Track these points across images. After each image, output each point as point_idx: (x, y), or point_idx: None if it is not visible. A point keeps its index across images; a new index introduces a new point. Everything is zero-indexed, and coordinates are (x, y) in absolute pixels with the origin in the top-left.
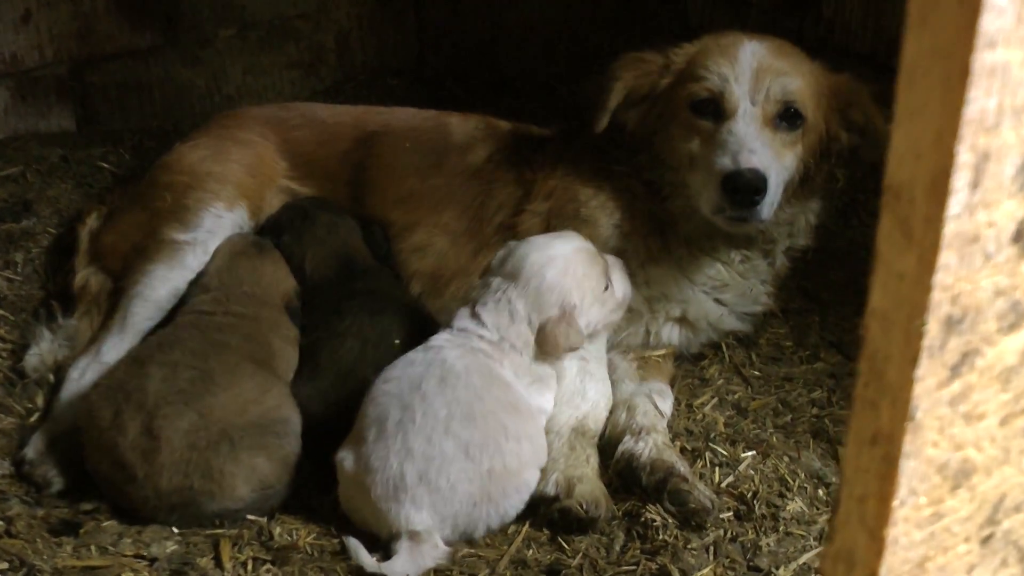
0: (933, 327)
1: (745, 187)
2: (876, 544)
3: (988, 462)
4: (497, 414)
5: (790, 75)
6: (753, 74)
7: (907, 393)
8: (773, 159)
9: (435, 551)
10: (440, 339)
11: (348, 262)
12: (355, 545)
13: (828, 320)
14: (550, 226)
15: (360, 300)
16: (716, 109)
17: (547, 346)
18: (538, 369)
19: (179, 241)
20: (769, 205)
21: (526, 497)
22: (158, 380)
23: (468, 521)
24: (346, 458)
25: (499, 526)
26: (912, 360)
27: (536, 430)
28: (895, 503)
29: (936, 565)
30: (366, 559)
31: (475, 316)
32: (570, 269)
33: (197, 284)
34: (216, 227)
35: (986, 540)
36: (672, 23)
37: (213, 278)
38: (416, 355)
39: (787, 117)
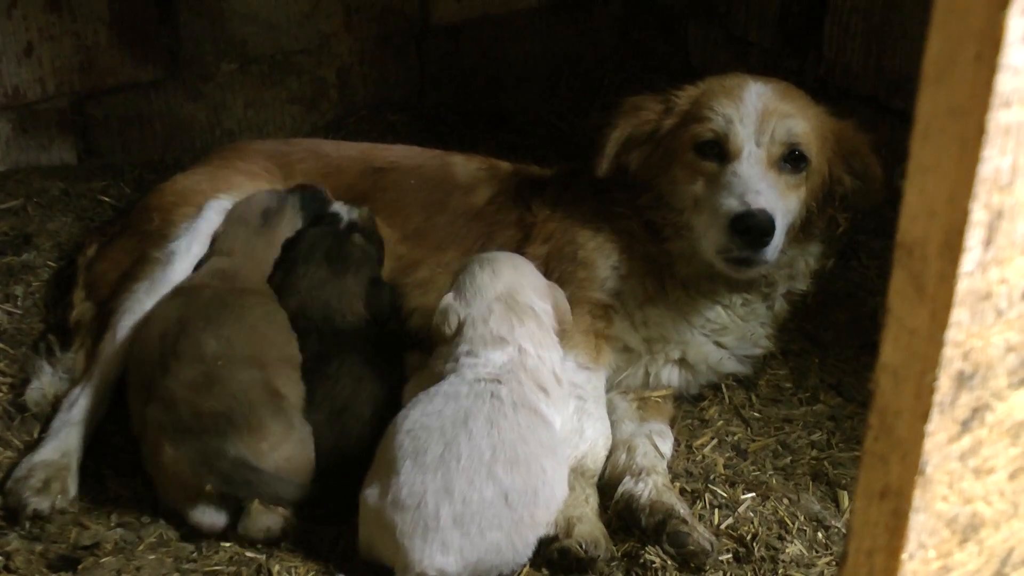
0: (944, 383)
1: (756, 227)
2: None
3: (997, 516)
4: (539, 458)
5: (795, 117)
6: (758, 116)
7: (917, 448)
8: (778, 201)
9: None
10: (482, 372)
11: (325, 320)
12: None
13: (828, 362)
14: (549, 268)
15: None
16: (720, 151)
17: (564, 322)
18: (563, 373)
19: (161, 258)
20: (775, 248)
21: (534, 546)
22: (213, 344)
23: (486, 568)
24: (371, 494)
25: (509, 573)
26: (923, 415)
27: (564, 474)
28: (904, 556)
29: None
30: None
31: (516, 347)
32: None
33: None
34: (190, 229)
35: None
36: (673, 60)
37: (215, 243)
38: (460, 387)
39: (791, 159)
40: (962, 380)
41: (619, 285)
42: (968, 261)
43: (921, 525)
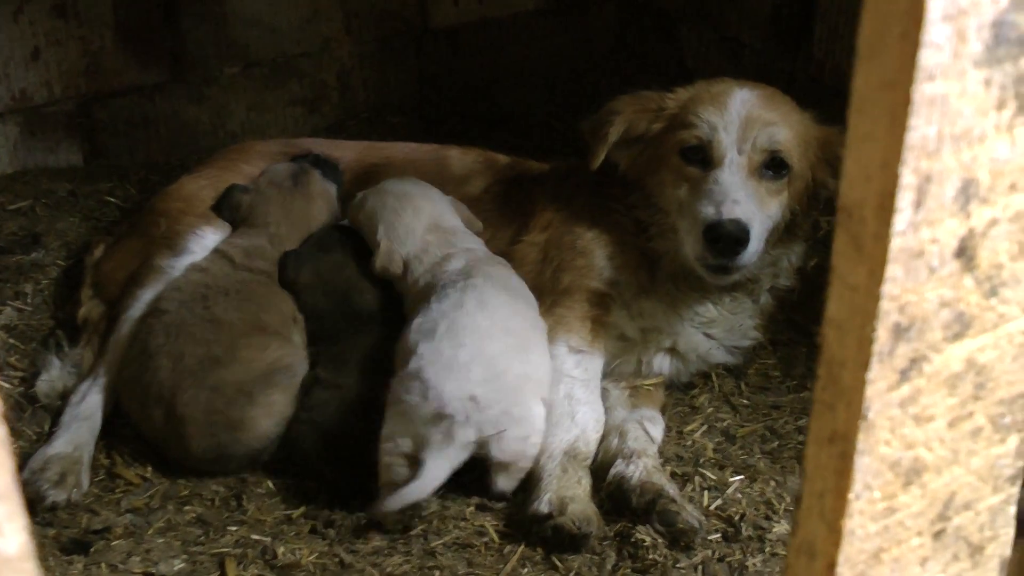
0: (882, 334)
1: (726, 238)
2: (834, 535)
3: (938, 462)
4: (527, 330)
5: (778, 125)
6: (741, 124)
7: (860, 395)
8: (757, 209)
9: (463, 448)
10: (452, 277)
11: (345, 300)
12: (386, 493)
13: (815, 351)
14: (547, 257)
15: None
16: (704, 157)
17: (473, 227)
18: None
19: (167, 267)
20: (752, 253)
21: (536, 427)
22: (168, 370)
23: (498, 417)
24: (393, 381)
25: (513, 452)
26: (864, 364)
27: (546, 347)
28: (851, 496)
29: (891, 556)
30: (404, 491)
31: (464, 249)
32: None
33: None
34: (198, 247)
35: (938, 535)
36: (667, 63)
37: (248, 212)
38: (443, 293)
39: (772, 166)
40: (899, 332)
41: (614, 275)
42: (900, 221)
43: (866, 467)
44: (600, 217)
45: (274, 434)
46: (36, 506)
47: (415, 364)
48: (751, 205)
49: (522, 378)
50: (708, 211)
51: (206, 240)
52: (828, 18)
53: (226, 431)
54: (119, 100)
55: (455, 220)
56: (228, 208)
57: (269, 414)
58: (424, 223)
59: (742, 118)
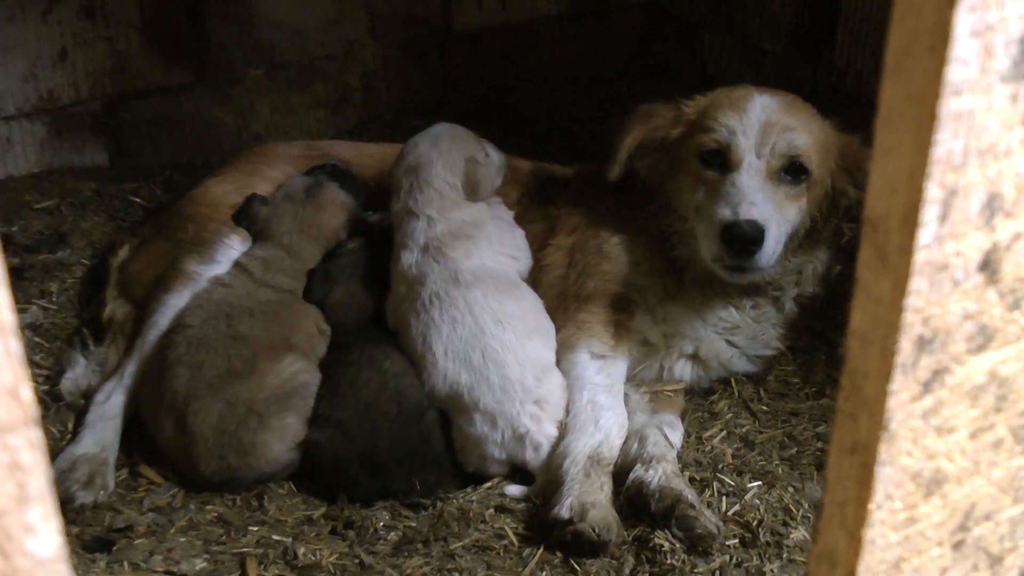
0: (905, 346)
1: (742, 238)
2: (855, 544)
3: (959, 472)
4: (538, 317)
5: (797, 130)
6: (760, 128)
7: (882, 406)
8: (774, 211)
9: (550, 440)
10: (446, 273)
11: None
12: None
13: (835, 358)
14: (573, 260)
15: (366, 337)
16: (723, 160)
17: (477, 193)
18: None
19: (194, 272)
20: (769, 255)
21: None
22: (185, 379)
23: (561, 401)
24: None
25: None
26: (887, 376)
27: (549, 320)
28: (872, 506)
29: (911, 566)
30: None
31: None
32: (456, 135)
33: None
34: (225, 258)
35: (958, 545)
36: (689, 69)
37: (264, 224)
38: (451, 310)
39: (791, 171)
40: (922, 344)
41: (640, 280)
42: (925, 235)
43: (887, 478)
44: (626, 222)
45: (287, 459)
46: (65, 507)
47: (468, 399)
48: (768, 207)
49: (553, 359)
50: (725, 213)
51: (234, 251)
52: (850, 26)
53: (236, 455)
54: (144, 101)
55: (445, 176)
56: (246, 219)
57: (282, 438)
58: (408, 162)
59: (761, 123)
